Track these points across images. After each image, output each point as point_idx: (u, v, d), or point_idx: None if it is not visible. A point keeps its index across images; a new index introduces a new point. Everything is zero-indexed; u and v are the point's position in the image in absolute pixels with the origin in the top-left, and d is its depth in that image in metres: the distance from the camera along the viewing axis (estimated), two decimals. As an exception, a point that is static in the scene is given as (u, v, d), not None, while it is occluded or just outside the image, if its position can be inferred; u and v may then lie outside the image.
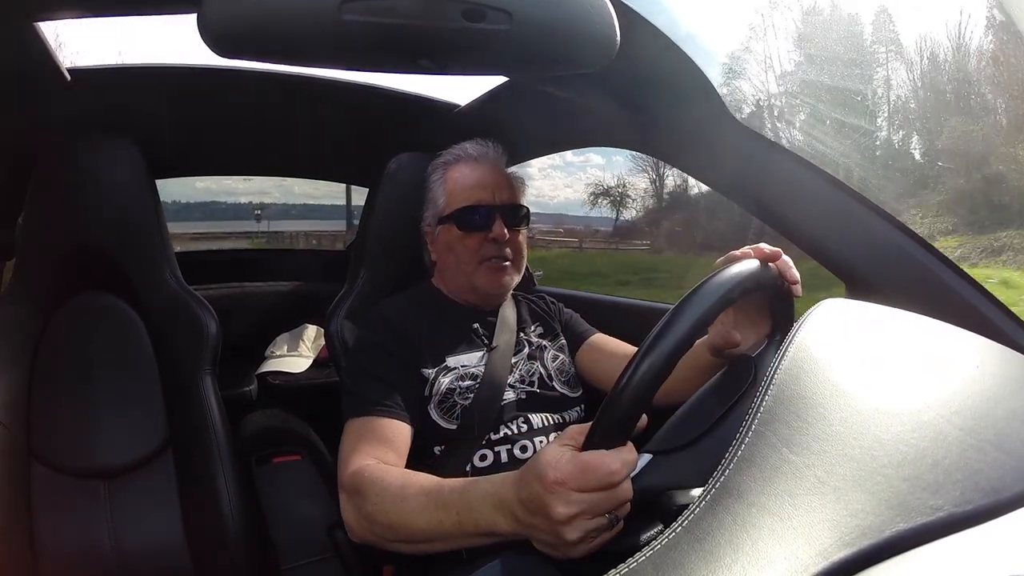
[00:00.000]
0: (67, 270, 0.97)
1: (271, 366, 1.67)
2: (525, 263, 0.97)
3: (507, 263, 0.91)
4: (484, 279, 0.91)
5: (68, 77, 0.90)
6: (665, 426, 0.60)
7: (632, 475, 0.50)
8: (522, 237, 0.94)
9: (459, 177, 0.94)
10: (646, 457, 0.55)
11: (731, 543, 0.32)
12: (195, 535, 0.93)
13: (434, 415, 0.84)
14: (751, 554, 0.32)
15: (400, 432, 0.78)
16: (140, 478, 0.95)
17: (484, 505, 0.57)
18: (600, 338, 1.00)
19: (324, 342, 1.43)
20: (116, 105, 1.04)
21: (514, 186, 0.95)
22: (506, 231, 0.89)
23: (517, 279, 0.95)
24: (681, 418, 0.60)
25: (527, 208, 0.96)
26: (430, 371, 0.85)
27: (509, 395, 0.86)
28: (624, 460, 0.48)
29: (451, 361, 0.87)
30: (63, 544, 0.89)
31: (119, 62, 1.02)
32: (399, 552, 0.68)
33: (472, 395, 0.84)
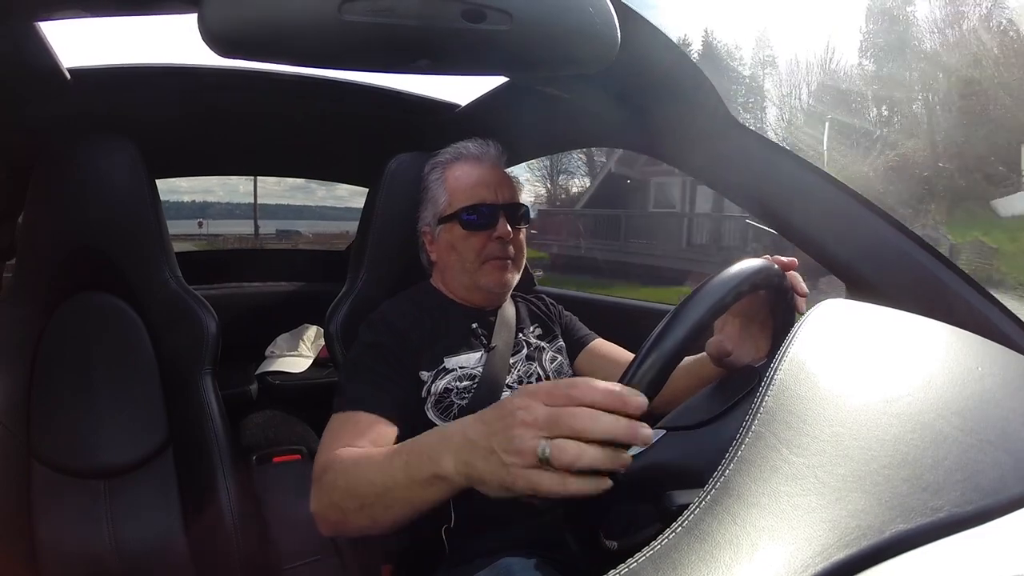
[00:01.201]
0: (67, 270, 0.97)
1: (271, 366, 1.67)
2: (525, 261, 0.97)
3: (509, 261, 0.92)
4: (488, 277, 0.91)
5: (68, 77, 0.90)
6: (681, 406, 0.60)
7: (644, 450, 0.49)
8: (522, 235, 0.95)
9: (461, 176, 0.93)
10: (659, 432, 0.56)
11: (731, 544, 0.32)
12: (195, 535, 0.93)
13: (431, 415, 0.84)
14: (751, 554, 0.32)
15: (381, 429, 0.75)
16: (140, 478, 0.95)
17: (432, 438, 0.54)
18: (600, 343, 1.00)
19: (324, 342, 1.43)
20: (116, 105, 1.05)
21: (514, 185, 0.95)
22: (510, 230, 0.90)
23: (518, 277, 0.95)
24: (697, 400, 0.61)
25: (527, 207, 0.96)
26: (427, 374, 0.86)
27: (507, 395, 0.86)
28: (611, 391, 0.43)
29: (449, 362, 0.87)
30: (63, 544, 0.89)
31: (119, 62, 1.03)
32: (361, 529, 0.63)
33: (469, 395, 0.84)
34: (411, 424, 0.82)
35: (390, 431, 0.75)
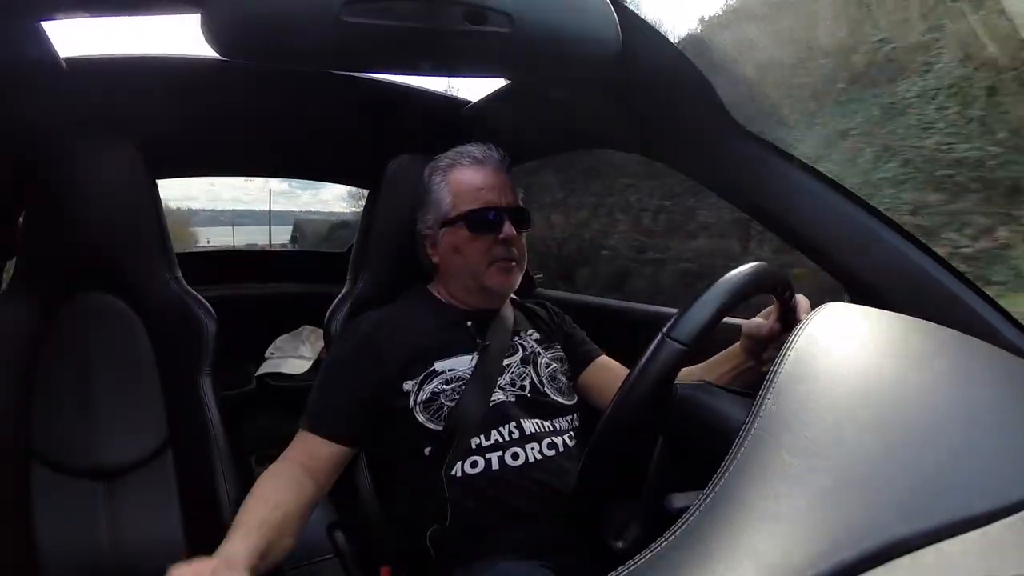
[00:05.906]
0: (67, 270, 0.97)
1: (271, 367, 1.67)
2: (526, 263, 0.98)
3: (514, 263, 0.92)
4: (494, 279, 0.91)
5: (68, 74, 0.90)
6: None
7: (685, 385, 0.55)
8: (524, 238, 0.95)
9: (464, 179, 0.93)
10: (700, 383, 0.58)
11: (730, 546, 0.32)
12: (195, 535, 0.93)
13: (420, 418, 0.83)
14: (750, 556, 0.32)
15: (327, 456, 0.83)
16: (140, 478, 0.95)
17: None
18: (606, 359, 1.01)
19: (324, 343, 1.43)
20: (117, 106, 1.05)
21: (515, 190, 0.96)
22: (515, 232, 0.90)
23: (520, 278, 0.96)
24: None
25: (529, 211, 0.97)
26: (411, 383, 0.85)
27: (498, 396, 0.86)
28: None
29: (439, 365, 0.87)
30: (63, 544, 0.89)
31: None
32: None
33: (458, 396, 0.84)
34: (400, 429, 0.84)
35: (335, 455, 0.84)
